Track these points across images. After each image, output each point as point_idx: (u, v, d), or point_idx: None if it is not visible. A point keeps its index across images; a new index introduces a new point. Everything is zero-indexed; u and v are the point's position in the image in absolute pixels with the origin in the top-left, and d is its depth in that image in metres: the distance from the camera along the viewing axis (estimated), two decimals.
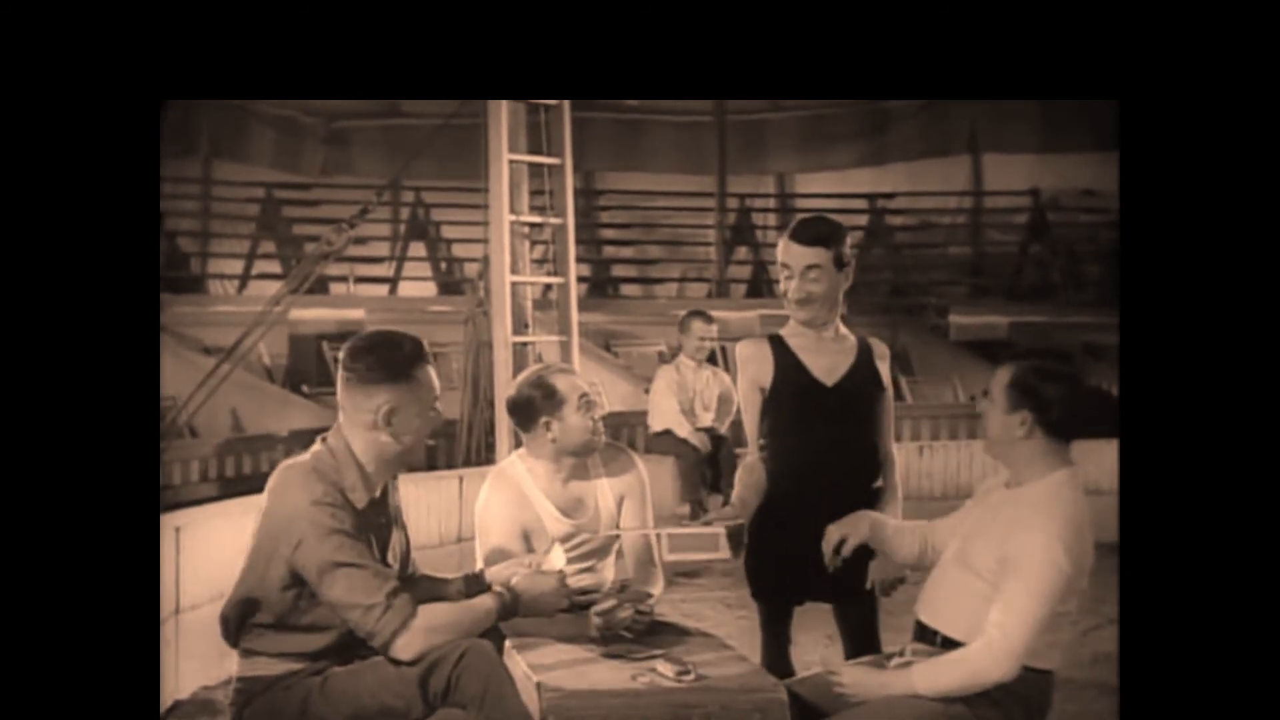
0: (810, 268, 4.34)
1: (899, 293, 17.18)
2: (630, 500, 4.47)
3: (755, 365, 4.43)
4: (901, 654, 3.81)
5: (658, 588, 4.43)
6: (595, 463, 4.47)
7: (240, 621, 3.65)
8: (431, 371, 3.73)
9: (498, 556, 4.27)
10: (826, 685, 3.77)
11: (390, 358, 3.65)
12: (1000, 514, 3.69)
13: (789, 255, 4.37)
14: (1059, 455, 3.71)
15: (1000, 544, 3.61)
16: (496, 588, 3.76)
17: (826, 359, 4.42)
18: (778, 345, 4.44)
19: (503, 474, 4.44)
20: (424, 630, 3.53)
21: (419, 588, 3.87)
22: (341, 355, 3.70)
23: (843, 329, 4.47)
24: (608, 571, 4.49)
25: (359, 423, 3.66)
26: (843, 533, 4.04)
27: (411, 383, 3.66)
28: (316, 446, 3.69)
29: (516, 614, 3.74)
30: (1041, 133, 17.70)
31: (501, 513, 4.34)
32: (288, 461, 3.69)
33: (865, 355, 4.46)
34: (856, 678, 3.66)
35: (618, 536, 4.44)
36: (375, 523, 3.70)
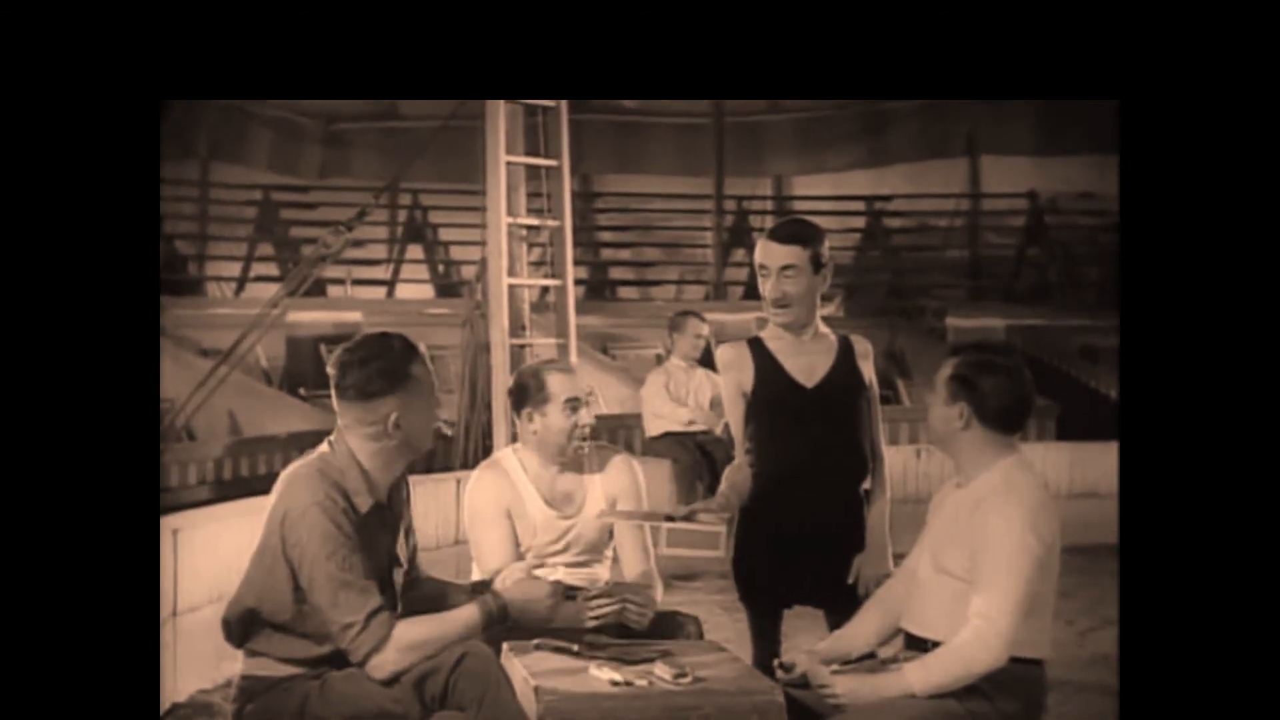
0: (786, 267, 4.33)
1: (896, 295, 17.18)
2: (623, 503, 4.48)
3: (736, 369, 4.43)
4: (895, 660, 3.81)
5: (658, 596, 4.44)
6: (590, 462, 4.50)
7: (244, 628, 3.65)
8: (426, 364, 3.72)
9: (482, 537, 4.38)
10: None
11: (386, 366, 3.62)
12: (960, 514, 3.70)
13: (766, 255, 4.35)
14: (1002, 445, 3.73)
15: (969, 540, 3.63)
16: (483, 596, 3.73)
17: (806, 360, 4.41)
18: (757, 349, 4.43)
19: (495, 461, 4.56)
20: (398, 650, 3.52)
21: (423, 589, 3.86)
22: (331, 371, 3.65)
23: (823, 328, 4.45)
24: (602, 570, 4.50)
25: (363, 434, 3.64)
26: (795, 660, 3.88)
27: (412, 383, 3.64)
28: (323, 448, 3.68)
29: (505, 623, 3.72)
30: (1039, 135, 17.72)
31: (486, 493, 4.43)
32: (295, 463, 3.67)
33: (846, 354, 4.44)
34: (850, 686, 3.64)
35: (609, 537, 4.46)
36: (379, 525, 3.69)
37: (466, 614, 3.64)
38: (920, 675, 3.59)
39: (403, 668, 3.52)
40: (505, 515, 4.40)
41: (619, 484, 4.50)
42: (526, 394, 4.42)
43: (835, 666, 3.80)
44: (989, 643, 3.53)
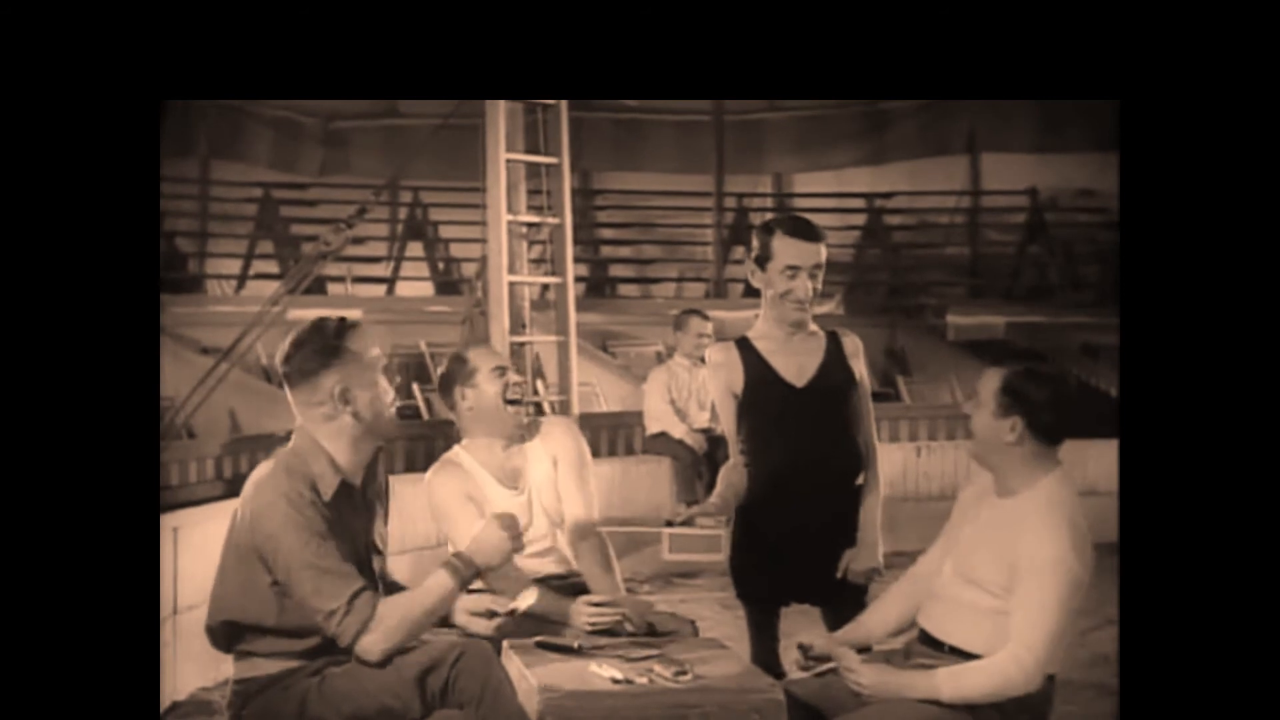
0: (818, 265, 4.34)
1: (897, 293, 17.16)
2: (564, 463, 4.55)
3: (726, 371, 4.43)
4: (907, 655, 3.80)
5: (620, 593, 4.44)
6: (531, 432, 4.58)
7: (228, 632, 3.66)
8: (364, 335, 3.74)
9: (452, 527, 4.42)
10: (824, 686, 3.75)
11: (320, 344, 3.68)
12: (999, 525, 3.66)
13: (799, 254, 4.32)
14: (1048, 458, 3.71)
15: (1006, 555, 3.59)
16: (447, 559, 3.73)
17: (796, 360, 4.40)
18: (746, 349, 4.43)
19: (447, 459, 4.62)
20: (385, 629, 3.53)
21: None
22: (277, 363, 3.74)
23: (812, 325, 4.46)
24: (562, 546, 4.54)
25: (317, 416, 3.68)
26: (811, 641, 3.94)
27: (349, 355, 3.68)
28: (288, 444, 3.72)
29: (475, 577, 3.72)
30: (1040, 133, 17.67)
31: (446, 485, 4.49)
32: (257, 469, 3.70)
33: (835, 352, 4.44)
34: (877, 678, 3.61)
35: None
36: (350, 508, 3.69)
37: (438, 579, 3.64)
38: (952, 685, 3.56)
39: (393, 646, 3.53)
40: (469, 500, 4.45)
41: (558, 442, 4.58)
42: (453, 375, 4.53)
43: (863, 662, 3.80)
44: (1028, 669, 3.51)
